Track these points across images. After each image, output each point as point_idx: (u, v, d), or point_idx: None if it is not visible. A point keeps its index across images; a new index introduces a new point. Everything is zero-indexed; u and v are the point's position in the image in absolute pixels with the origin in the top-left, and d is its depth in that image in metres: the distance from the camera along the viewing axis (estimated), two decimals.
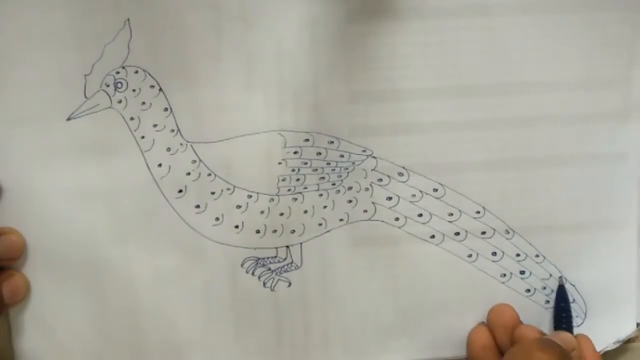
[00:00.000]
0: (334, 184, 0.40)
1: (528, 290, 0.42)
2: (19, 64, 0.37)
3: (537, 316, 0.42)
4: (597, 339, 0.41)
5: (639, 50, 0.39)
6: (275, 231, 0.40)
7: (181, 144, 0.39)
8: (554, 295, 0.42)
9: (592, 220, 0.41)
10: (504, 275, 0.42)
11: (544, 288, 0.42)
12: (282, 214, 0.40)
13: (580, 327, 0.42)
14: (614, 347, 0.42)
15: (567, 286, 0.41)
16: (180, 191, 0.39)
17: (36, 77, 0.37)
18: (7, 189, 0.38)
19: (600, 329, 0.42)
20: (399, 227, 0.41)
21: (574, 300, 0.42)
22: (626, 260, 0.42)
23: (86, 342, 0.40)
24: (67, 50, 0.37)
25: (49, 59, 0.37)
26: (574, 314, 0.41)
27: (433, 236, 0.41)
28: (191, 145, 0.39)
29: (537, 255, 0.41)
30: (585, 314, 0.42)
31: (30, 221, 0.38)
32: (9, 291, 0.38)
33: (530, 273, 0.41)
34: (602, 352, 0.41)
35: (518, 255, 0.41)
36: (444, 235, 0.41)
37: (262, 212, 0.40)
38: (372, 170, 0.40)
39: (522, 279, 0.42)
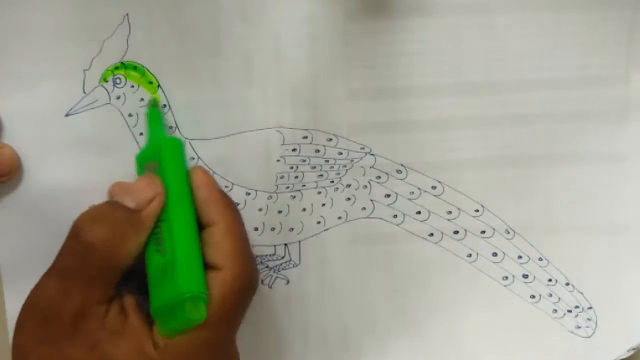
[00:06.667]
0: (332, 182, 0.40)
1: (533, 297, 0.41)
2: (17, 58, 0.37)
3: (543, 326, 0.41)
4: (610, 347, 0.40)
5: (637, 49, 0.39)
6: (273, 229, 0.40)
7: None
8: (561, 304, 0.41)
9: (595, 222, 0.41)
10: (506, 278, 0.41)
11: (550, 295, 0.41)
12: (280, 212, 0.40)
13: (592, 337, 0.41)
14: (628, 354, 0.41)
15: (575, 294, 0.41)
16: None
17: (35, 72, 0.37)
18: (4, 185, 0.38)
19: (612, 337, 0.41)
20: (398, 225, 0.40)
21: (582, 309, 0.41)
22: (635, 263, 0.41)
23: None
24: (66, 44, 0.37)
25: (48, 53, 0.37)
26: (583, 324, 0.41)
27: (432, 234, 0.41)
28: (189, 142, 0.39)
29: (540, 259, 0.41)
30: (596, 323, 0.41)
31: (28, 217, 0.39)
32: None
33: (534, 277, 0.41)
34: None
35: (520, 257, 0.41)
36: (442, 233, 0.41)
37: (260, 210, 0.39)
38: (370, 167, 0.40)
39: (525, 283, 0.41)
